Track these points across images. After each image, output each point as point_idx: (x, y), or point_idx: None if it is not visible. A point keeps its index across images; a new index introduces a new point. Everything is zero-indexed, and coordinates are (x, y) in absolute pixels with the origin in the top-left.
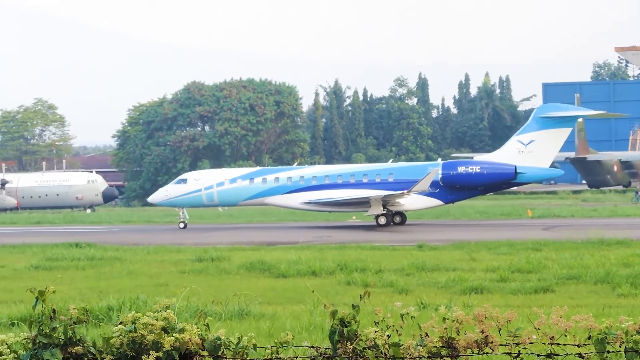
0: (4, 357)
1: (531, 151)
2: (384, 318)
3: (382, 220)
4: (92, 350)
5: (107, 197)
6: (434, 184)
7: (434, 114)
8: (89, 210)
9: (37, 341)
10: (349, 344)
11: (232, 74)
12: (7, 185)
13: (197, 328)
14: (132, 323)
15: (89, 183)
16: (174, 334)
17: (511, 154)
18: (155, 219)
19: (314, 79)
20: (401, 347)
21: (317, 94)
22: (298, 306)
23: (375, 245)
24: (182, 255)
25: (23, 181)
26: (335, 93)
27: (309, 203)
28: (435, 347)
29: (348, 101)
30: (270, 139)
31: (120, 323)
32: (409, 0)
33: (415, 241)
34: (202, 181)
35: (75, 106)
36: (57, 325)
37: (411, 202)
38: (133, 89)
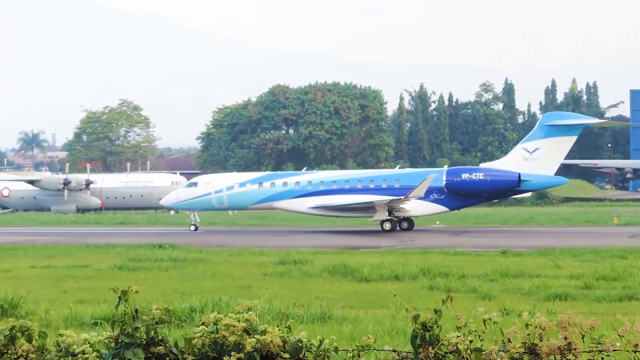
0: (86, 356)
1: (536, 159)
2: (466, 323)
3: (387, 226)
4: (174, 350)
5: None
6: (439, 191)
7: (520, 119)
8: (172, 212)
9: (120, 341)
10: (430, 348)
11: (317, 77)
12: (91, 186)
13: (279, 330)
14: (214, 324)
15: (172, 185)
16: (256, 336)
17: (517, 161)
18: (239, 221)
19: (399, 83)
20: (483, 353)
21: (401, 98)
22: (380, 310)
23: (459, 250)
24: (265, 258)
25: (107, 182)
26: (421, 97)
27: (316, 208)
28: (517, 352)
29: (433, 106)
30: (354, 142)
31: (203, 324)
32: (496, 7)
33: (499, 247)
34: (212, 185)
35: (160, 108)
36: (140, 325)
37: (416, 208)
38: (218, 91)
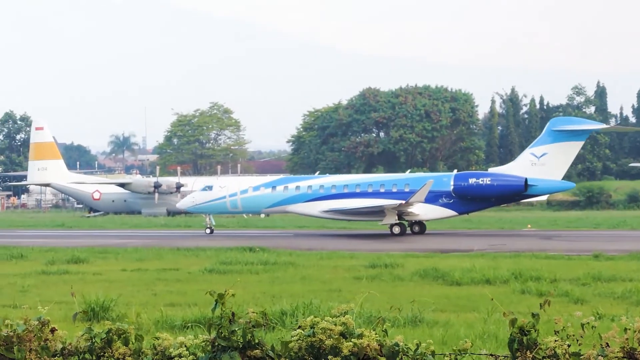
0: (183, 359)
1: (544, 164)
2: (564, 327)
3: (396, 230)
4: (271, 354)
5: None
6: (447, 195)
7: (612, 122)
8: (262, 215)
9: (216, 344)
10: (528, 352)
11: (408, 81)
12: (182, 189)
13: (375, 334)
14: (311, 327)
15: None
16: (352, 339)
17: (524, 166)
18: (328, 225)
19: (490, 86)
20: (581, 357)
21: (493, 101)
22: (471, 314)
23: (550, 254)
24: (355, 261)
25: (198, 185)
26: (512, 100)
27: (327, 211)
28: (616, 357)
29: (524, 109)
30: (445, 146)
31: (299, 327)
32: (586, 9)
33: (591, 251)
34: (226, 188)
35: (251, 111)
36: (236, 329)
37: (426, 212)
38: (308, 94)
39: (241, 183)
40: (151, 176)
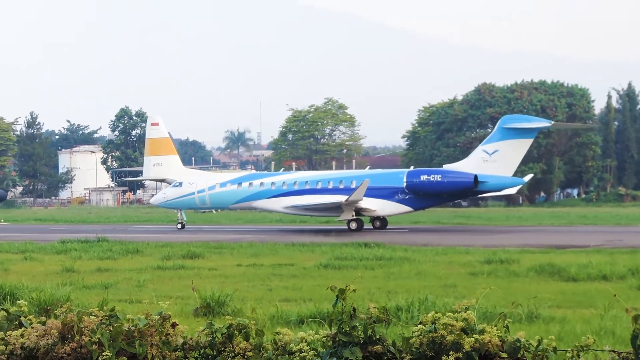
0: (304, 354)
1: (495, 160)
2: None
3: (353, 225)
4: (392, 349)
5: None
6: (402, 191)
7: None
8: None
9: (337, 339)
10: None
11: (524, 76)
12: None
13: (497, 329)
14: (432, 323)
15: None
16: (474, 335)
17: (476, 163)
18: (444, 220)
19: (606, 82)
20: None
21: (609, 97)
22: (587, 310)
23: None
24: (471, 257)
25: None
26: (629, 96)
27: (289, 207)
28: None
29: None
30: (561, 141)
31: (420, 323)
32: None
33: None
34: (195, 185)
35: (366, 106)
36: (357, 324)
37: (383, 208)
38: (423, 89)
39: (209, 179)
40: (266, 171)
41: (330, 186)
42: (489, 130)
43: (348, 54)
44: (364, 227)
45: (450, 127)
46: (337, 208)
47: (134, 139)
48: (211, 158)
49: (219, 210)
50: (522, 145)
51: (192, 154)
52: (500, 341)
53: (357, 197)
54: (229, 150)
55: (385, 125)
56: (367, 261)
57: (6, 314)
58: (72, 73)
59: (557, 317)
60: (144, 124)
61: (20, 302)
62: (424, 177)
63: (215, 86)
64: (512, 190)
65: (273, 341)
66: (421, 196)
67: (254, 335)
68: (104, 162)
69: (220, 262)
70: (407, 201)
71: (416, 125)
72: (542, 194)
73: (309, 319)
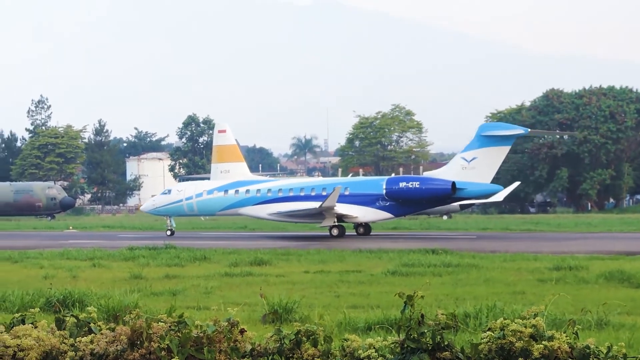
0: None
1: (474, 167)
2: None
3: (335, 232)
4: (460, 356)
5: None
6: (382, 198)
7: None
8: (445, 217)
9: (405, 346)
10: None
11: (592, 81)
12: None
13: (566, 336)
14: (501, 330)
15: None
16: (543, 342)
17: (456, 170)
18: (511, 227)
19: None
20: None
21: None
22: None
23: None
24: (539, 264)
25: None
26: None
27: (273, 214)
28: None
29: None
30: (630, 147)
31: (489, 329)
32: None
33: None
34: (183, 192)
35: (433, 112)
36: (426, 330)
37: (364, 214)
38: (491, 95)
39: (197, 187)
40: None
41: (313, 193)
42: (557, 137)
43: (415, 59)
44: (346, 233)
45: None
46: (319, 214)
47: (202, 146)
48: (278, 165)
49: (207, 218)
50: (500, 153)
51: (259, 160)
52: (569, 348)
53: (330, 204)
54: (296, 157)
55: (452, 131)
56: (435, 268)
57: (76, 321)
58: (140, 81)
59: (627, 324)
60: (211, 131)
61: (89, 308)
62: (402, 184)
63: (283, 93)
64: (499, 197)
65: (341, 347)
66: (400, 203)
67: (322, 342)
68: (172, 169)
69: (288, 268)
70: (387, 208)
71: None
72: (611, 200)
73: (376, 325)
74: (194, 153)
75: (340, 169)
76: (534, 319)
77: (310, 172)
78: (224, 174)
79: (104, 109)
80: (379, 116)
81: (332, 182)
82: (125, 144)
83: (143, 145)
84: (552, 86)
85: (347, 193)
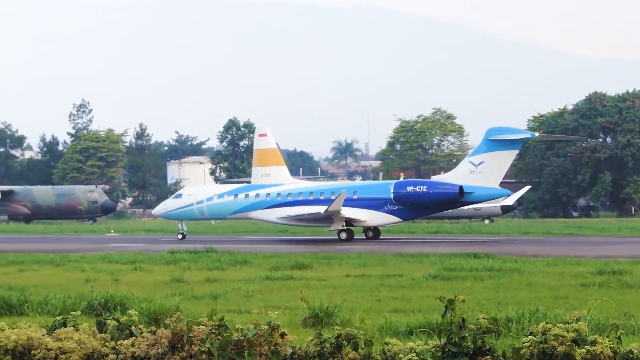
0: None
1: (481, 172)
2: None
3: (343, 235)
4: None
5: (506, 208)
6: (390, 202)
7: None
8: (486, 221)
9: (447, 350)
10: None
11: (635, 85)
12: None
13: (609, 341)
14: (542, 334)
15: None
16: (586, 346)
17: (463, 174)
18: (554, 231)
19: None
20: None
21: None
22: None
23: None
24: (582, 268)
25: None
26: None
27: (282, 218)
28: None
29: None
30: None
31: (530, 334)
32: None
33: None
34: (194, 196)
35: (474, 116)
36: (467, 334)
37: (373, 218)
38: (532, 99)
39: (207, 191)
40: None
41: (322, 197)
42: (601, 140)
43: (457, 63)
44: (354, 237)
45: None
46: (327, 218)
47: (242, 149)
48: (319, 169)
49: (217, 221)
50: (508, 157)
51: (300, 164)
52: (612, 352)
53: (335, 208)
54: (336, 160)
55: None
56: (477, 272)
57: (117, 324)
58: (180, 84)
59: None
60: (252, 135)
61: (130, 311)
62: (410, 188)
63: (323, 97)
64: (510, 201)
65: (382, 351)
66: (408, 207)
67: (363, 346)
68: (212, 172)
69: (329, 272)
70: (396, 212)
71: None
72: None
73: (418, 329)
74: (234, 157)
75: (381, 173)
76: (577, 323)
77: (351, 175)
78: (264, 177)
79: (144, 112)
80: (420, 120)
81: (341, 186)
82: (166, 148)
83: (184, 149)
84: (595, 89)
85: (355, 197)
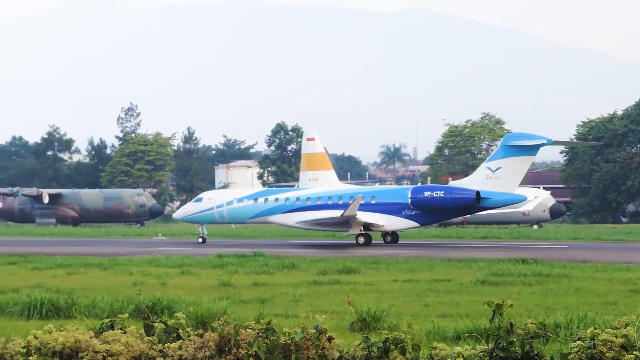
0: None
1: (499, 177)
2: None
3: (361, 240)
4: None
5: (555, 214)
6: (408, 207)
7: None
8: (535, 226)
9: (494, 354)
10: None
11: None
12: None
13: None
14: (591, 339)
15: (534, 199)
16: (634, 352)
17: (481, 179)
18: (603, 236)
19: None
20: None
21: None
22: None
23: None
24: (632, 274)
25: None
26: None
27: (301, 222)
28: None
29: None
30: None
31: (579, 339)
32: None
33: None
34: (214, 200)
35: (523, 121)
36: (515, 339)
37: (390, 223)
38: (581, 104)
39: (227, 195)
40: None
41: (341, 202)
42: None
43: (505, 68)
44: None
45: (610, 142)
46: (345, 223)
47: (290, 153)
48: (367, 173)
49: (238, 225)
50: (525, 163)
51: (348, 169)
52: None
53: (351, 212)
54: (384, 165)
55: None
56: (525, 277)
57: (164, 327)
58: (227, 88)
59: None
60: (299, 139)
61: (177, 315)
62: (427, 194)
63: (371, 101)
64: (529, 207)
65: (429, 356)
66: (426, 212)
67: (410, 350)
68: (260, 177)
69: (376, 277)
70: (413, 217)
71: (575, 140)
72: None
73: (465, 334)
74: (282, 161)
75: (429, 178)
76: (625, 329)
77: (399, 180)
78: (312, 181)
79: (193, 116)
80: (469, 125)
81: (360, 190)
82: (214, 152)
83: (232, 152)
84: None
85: (373, 202)
